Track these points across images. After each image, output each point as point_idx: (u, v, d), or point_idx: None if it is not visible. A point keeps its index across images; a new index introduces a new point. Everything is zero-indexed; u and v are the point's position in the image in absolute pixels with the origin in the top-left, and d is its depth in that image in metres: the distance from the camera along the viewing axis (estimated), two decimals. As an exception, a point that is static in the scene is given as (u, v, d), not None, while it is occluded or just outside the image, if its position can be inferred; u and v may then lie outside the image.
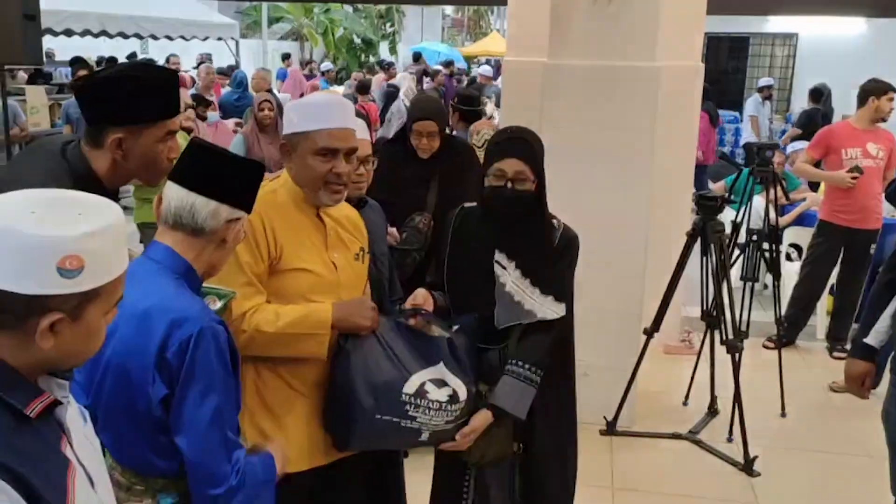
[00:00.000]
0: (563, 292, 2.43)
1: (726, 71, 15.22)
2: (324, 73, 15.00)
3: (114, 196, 1.92)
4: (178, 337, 1.59)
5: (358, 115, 2.39)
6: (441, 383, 2.21)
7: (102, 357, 1.63)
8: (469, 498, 2.51)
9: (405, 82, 11.17)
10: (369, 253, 2.38)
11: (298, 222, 2.16)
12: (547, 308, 2.38)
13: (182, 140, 5.31)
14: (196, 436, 1.61)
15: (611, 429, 4.17)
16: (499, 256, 2.40)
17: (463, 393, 2.24)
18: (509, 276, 2.38)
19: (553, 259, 2.42)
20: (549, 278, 2.40)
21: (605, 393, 4.16)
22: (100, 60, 11.75)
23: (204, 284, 1.81)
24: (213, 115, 6.33)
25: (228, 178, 1.72)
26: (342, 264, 2.22)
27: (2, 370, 1.16)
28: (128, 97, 1.92)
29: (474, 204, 2.52)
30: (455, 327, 2.32)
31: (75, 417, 1.32)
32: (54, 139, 2.12)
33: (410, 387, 2.17)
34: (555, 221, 2.48)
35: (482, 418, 2.32)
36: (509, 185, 2.32)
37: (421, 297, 2.34)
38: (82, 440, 1.31)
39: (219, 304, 1.89)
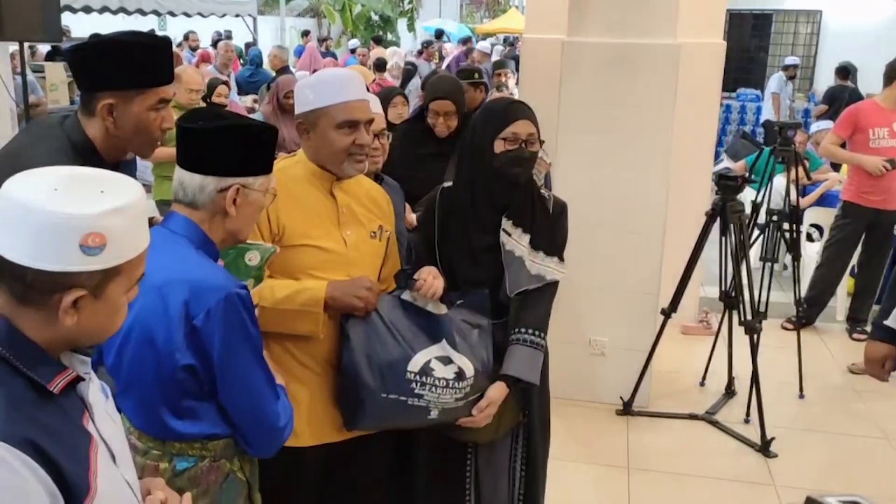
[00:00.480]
0: (561, 251, 2.47)
1: (748, 48, 15.00)
2: (352, 50, 14.76)
3: (113, 169, 1.92)
4: (203, 305, 1.62)
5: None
6: (447, 360, 2.21)
7: (124, 324, 1.65)
8: (472, 473, 2.53)
9: (394, 58, 11.07)
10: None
11: (309, 199, 2.17)
12: (553, 269, 2.42)
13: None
14: (250, 394, 1.70)
15: (627, 409, 4.17)
16: (505, 224, 2.40)
17: (469, 370, 2.24)
18: (517, 242, 2.39)
19: (551, 224, 2.46)
20: (551, 241, 2.44)
21: (622, 373, 4.17)
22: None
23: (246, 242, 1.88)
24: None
25: (207, 151, 1.72)
26: (354, 241, 2.22)
27: (26, 346, 1.18)
28: (118, 62, 1.90)
29: (450, 184, 2.53)
30: (459, 302, 2.32)
31: (97, 393, 1.34)
32: (52, 115, 2.12)
33: (415, 365, 2.17)
34: (544, 191, 2.52)
35: (498, 391, 2.33)
36: (524, 145, 2.36)
37: (427, 272, 2.31)
38: (104, 416, 1.33)
39: (257, 260, 1.92)
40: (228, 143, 1.73)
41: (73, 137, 1.94)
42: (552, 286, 2.44)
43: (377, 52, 12.14)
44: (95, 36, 1.97)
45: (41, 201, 1.12)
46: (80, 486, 1.17)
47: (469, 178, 2.45)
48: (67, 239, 1.13)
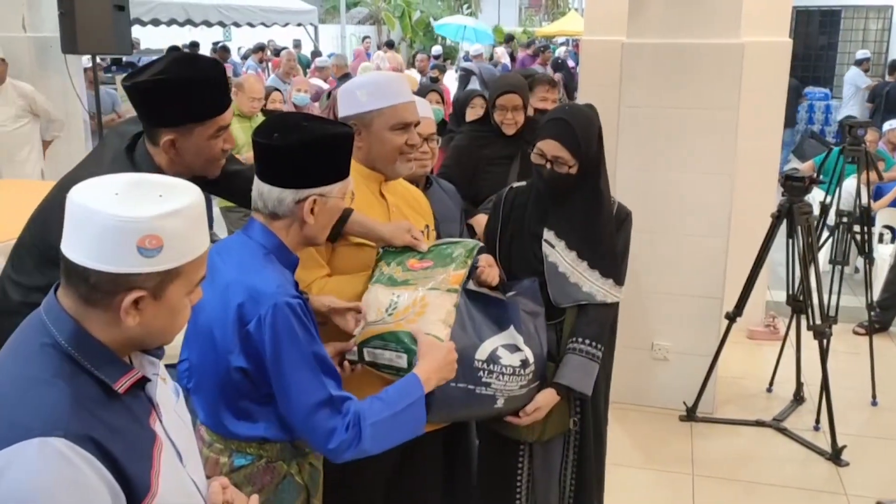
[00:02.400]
0: (621, 274, 2.42)
1: (816, 46, 14.60)
2: (436, 57, 14.59)
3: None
4: (256, 311, 1.66)
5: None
6: (514, 348, 2.21)
7: (198, 321, 1.73)
8: (524, 474, 2.52)
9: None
10: (437, 233, 2.42)
11: (361, 199, 2.20)
12: (607, 291, 2.39)
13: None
14: (297, 405, 1.68)
15: (691, 415, 4.09)
16: (547, 235, 2.40)
17: (531, 357, 2.24)
18: (560, 256, 2.38)
19: (609, 238, 2.41)
20: (609, 260, 2.39)
21: (685, 378, 4.09)
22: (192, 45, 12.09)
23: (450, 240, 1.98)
24: (303, 97, 6.38)
25: (283, 165, 1.75)
26: None
27: (93, 346, 1.22)
28: (176, 101, 1.91)
29: (523, 183, 2.52)
30: (510, 293, 2.32)
31: (167, 393, 1.38)
32: (125, 129, 2.13)
33: (482, 353, 2.17)
34: (614, 198, 2.48)
35: (548, 397, 2.32)
36: (548, 165, 2.34)
37: (484, 259, 2.32)
38: (172, 416, 1.36)
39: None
40: (304, 157, 1.75)
41: (144, 169, 1.96)
42: (613, 305, 2.42)
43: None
44: (174, 47, 1.98)
45: (102, 205, 1.16)
46: (142, 485, 1.20)
47: (530, 183, 2.46)
48: (125, 241, 1.16)
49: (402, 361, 2.01)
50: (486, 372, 2.18)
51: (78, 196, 1.18)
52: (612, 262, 2.40)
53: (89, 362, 1.20)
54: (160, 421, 1.31)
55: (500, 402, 2.22)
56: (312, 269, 2.10)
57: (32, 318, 1.26)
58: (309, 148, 1.75)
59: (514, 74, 4.05)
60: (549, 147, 2.33)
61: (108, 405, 1.21)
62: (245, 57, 13.01)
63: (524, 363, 2.22)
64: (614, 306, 2.45)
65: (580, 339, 2.37)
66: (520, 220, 2.47)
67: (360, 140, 2.20)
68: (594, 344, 2.37)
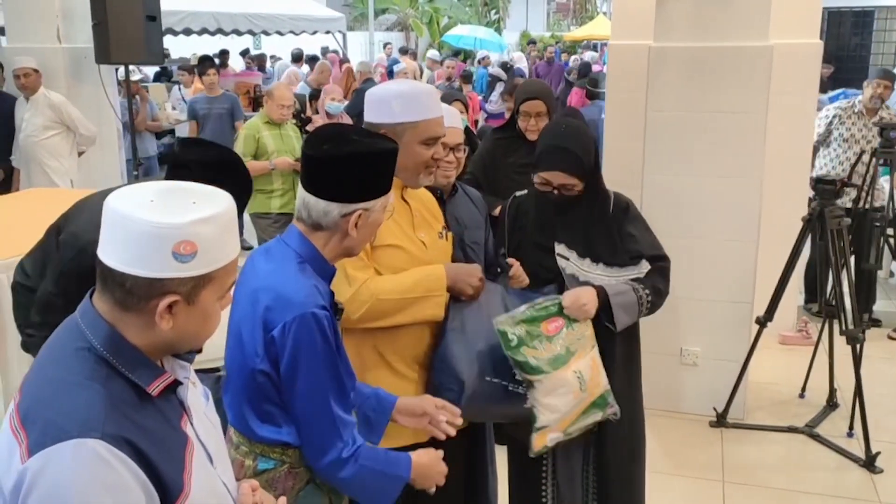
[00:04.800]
0: (632, 250, 2.44)
1: (848, 47, 14.41)
2: (480, 60, 14.62)
3: None
4: (281, 319, 1.67)
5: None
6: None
7: (231, 321, 1.77)
8: (549, 472, 2.54)
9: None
10: (461, 240, 2.45)
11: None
12: (636, 273, 2.42)
13: (293, 133, 5.51)
14: (304, 413, 1.71)
15: (721, 420, 4.05)
16: (558, 248, 2.43)
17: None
18: (576, 266, 2.41)
19: (618, 231, 2.44)
20: (622, 253, 2.42)
21: (715, 384, 4.06)
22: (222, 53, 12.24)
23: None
24: (337, 106, 6.44)
25: (332, 178, 1.76)
26: (429, 242, 2.30)
27: (128, 350, 1.25)
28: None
29: (525, 192, 2.54)
30: (539, 300, 2.34)
31: (198, 397, 1.41)
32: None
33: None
34: (610, 190, 2.52)
35: (587, 294, 2.32)
36: (555, 191, 2.38)
37: (514, 261, 2.38)
38: (202, 419, 1.39)
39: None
40: (353, 171, 1.75)
41: None
42: (665, 259, 2.48)
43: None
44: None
45: (138, 211, 1.19)
46: (175, 486, 1.22)
47: (533, 193, 2.48)
48: (161, 246, 1.19)
49: (599, 413, 2.34)
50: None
51: (115, 202, 1.21)
52: (624, 249, 2.42)
53: (123, 366, 1.23)
54: (191, 423, 1.33)
55: (529, 402, 2.23)
56: (363, 269, 2.14)
57: (68, 322, 1.29)
58: (358, 163, 1.75)
59: (538, 81, 4.07)
60: (554, 177, 2.36)
61: (141, 408, 1.23)
62: (296, 58, 13.10)
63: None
64: (665, 265, 2.48)
65: (644, 286, 2.39)
66: (524, 230, 2.51)
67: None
68: (645, 290, 2.39)
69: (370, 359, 2.22)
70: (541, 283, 2.41)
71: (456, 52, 14.93)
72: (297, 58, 13.02)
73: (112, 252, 1.21)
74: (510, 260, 2.40)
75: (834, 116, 5.41)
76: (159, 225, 1.18)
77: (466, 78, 10.49)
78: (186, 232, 1.20)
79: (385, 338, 2.21)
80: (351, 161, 1.75)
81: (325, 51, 15.06)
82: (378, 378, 2.19)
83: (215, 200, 1.26)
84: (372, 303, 2.11)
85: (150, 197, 1.22)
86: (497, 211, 3.04)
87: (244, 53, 14.98)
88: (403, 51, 16.87)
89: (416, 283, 2.17)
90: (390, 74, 11.30)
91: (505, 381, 2.19)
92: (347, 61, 12.17)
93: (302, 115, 6.08)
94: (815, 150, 5.49)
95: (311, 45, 15.83)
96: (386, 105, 2.20)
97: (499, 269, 2.42)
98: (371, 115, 2.21)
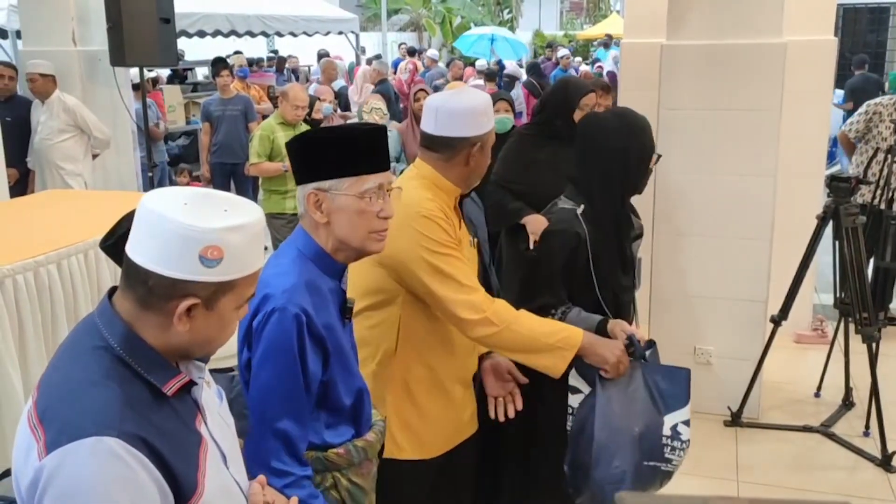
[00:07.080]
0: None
1: (864, 44, 14.30)
2: (479, 71, 14.61)
3: None
4: (263, 310, 1.66)
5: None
6: (688, 422, 2.22)
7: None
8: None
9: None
10: (477, 241, 2.45)
11: (450, 213, 2.24)
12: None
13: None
14: (259, 412, 1.66)
15: (736, 420, 4.04)
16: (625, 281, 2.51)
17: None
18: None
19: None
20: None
21: (729, 383, 4.04)
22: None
23: None
24: (328, 107, 6.46)
25: (299, 160, 1.77)
26: (468, 248, 2.31)
27: (145, 351, 1.26)
28: None
29: (569, 205, 2.50)
30: (648, 352, 2.30)
31: (212, 397, 1.42)
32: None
33: (666, 428, 2.18)
34: None
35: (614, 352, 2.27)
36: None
37: (627, 326, 2.33)
38: (217, 419, 1.40)
39: None
40: (301, 153, 1.77)
41: None
42: None
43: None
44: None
45: (171, 212, 1.22)
46: (189, 485, 1.23)
47: (619, 194, 2.47)
48: (189, 248, 1.21)
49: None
50: (670, 448, 2.17)
51: (150, 202, 1.24)
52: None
53: (139, 365, 1.25)
54: (205, 423, 1.35)
55: (667, 481, 2.21)
56: (470, 276, 2.16)
57: (86, 321, 1.31)
58: (302, 144, 1.77)
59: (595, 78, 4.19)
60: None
61: (156, 407, 1.25)
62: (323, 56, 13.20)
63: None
64: None
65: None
66: (616, 234, 2.48)
67: (472, 159, 2.20)
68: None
69: (417, 372, 2.20)
70: (630, 273, 2.51)
71: (471, 62, 14.81)
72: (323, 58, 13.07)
73: (141, 249, 1.23)
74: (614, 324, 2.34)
75: (874, 113, 5.39)
76: (191, 227, 1.20)
77: (490, 77, 10.46)
78: (215, 237, 1.22)
79: (442, 356, 2.22)
80: (297, 143, 1.77)
81: (322, 54, 15.09)
82: (421, 392, 2.20)
83: (247, 211, 1.29)
84: (502, 329, 2.10)
85: (184, 200, 1.24)
86: (533, 242, 3.06)
87: (258, 59, 15.01)
88: (411, 52, 16.92)
89: (553, 331, 2.16)
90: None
91: (658, 461, 2.16)
92: (360, 63, 12.21)
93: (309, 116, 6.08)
94: (849, 146, 5.48)
95: (324, 46, 15.88)
96: (474, 117, 2.19)
97: (643, 360, 2.28)
98: (459, 130, 2.17)
